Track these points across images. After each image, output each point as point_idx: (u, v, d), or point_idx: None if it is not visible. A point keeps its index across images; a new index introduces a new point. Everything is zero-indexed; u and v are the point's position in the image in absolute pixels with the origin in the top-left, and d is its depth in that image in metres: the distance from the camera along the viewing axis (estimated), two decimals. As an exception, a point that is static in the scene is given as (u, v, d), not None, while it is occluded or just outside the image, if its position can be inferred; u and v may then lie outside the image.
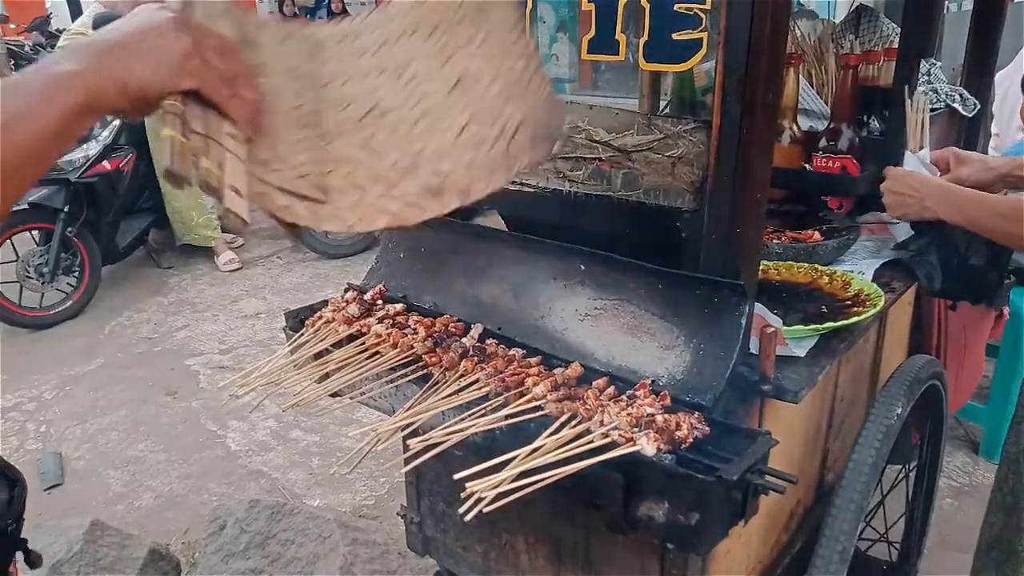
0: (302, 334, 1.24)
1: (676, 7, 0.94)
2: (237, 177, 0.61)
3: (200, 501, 2.52)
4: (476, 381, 1.03)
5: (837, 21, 2.03)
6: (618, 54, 1.02)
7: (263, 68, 0.70)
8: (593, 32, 1.03)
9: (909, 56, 1.46)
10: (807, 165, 1.56)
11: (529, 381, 0.99)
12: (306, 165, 0.69)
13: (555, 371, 1.02)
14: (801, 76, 1.66)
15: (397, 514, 1.57)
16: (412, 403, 1.02)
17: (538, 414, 0.94)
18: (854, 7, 1.92)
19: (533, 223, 0.89)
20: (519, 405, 0.96)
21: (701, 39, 0.94)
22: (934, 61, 1.68)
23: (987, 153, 2.55)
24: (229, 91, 0.64)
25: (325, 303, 1.31)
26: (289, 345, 1.21)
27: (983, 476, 2.51)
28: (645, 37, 0.98)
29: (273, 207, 0.66)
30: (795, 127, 1.58)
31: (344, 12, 10.77)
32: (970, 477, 2.51)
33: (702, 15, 0.93)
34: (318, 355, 1.18)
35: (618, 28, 1.00)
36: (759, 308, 1.02)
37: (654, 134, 1.03)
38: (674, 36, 0.95)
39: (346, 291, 1.34)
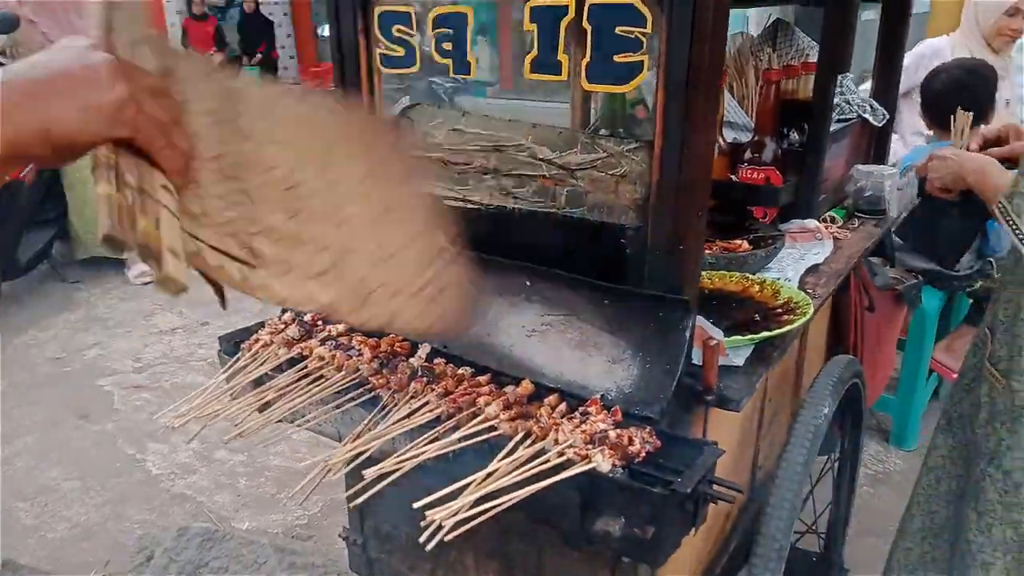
0: (238, 359, 1.20)
1: (617, 30, 0.96)
2: (173, 237, 0.57)
3: (121, 530, 2.39)
4: (427, 403, 1.02)
5: (754, 34, 2.11)
6: (560, 74, 1.03)
7: (187, 107, 0.65)
8: (536, 52, 1.04)
9: (827, 71, 1.53)
10: (733, 176, 1.62)
11: (481, 401, 0.99)
12: (233, 223, 0.65)
13: (506, 389, 1.03)
14: (725, 89, 1.73)
15: (339, 536, 1.54)
16: (361, 430, 1.00)
17: (493, 434, 0.95)
18: (771, 21, 2.00)
19: (478, 240, 0.89)
20: (473, 426, 0.95)
21: (642, 61, 0.96)
22: (847, 73, 1.77)
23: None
24: (163, 140, 0.59)
25: (262, 325, 1.27)
26: (225, 371, 1.16)
27: (895, 463, 2.67)
28: (587, 59, 0.99)
29: (206, 268, 0.62)
30: (721, 139, 1.64)
31: (256, 11, 10.45)
32: (884, 465, 2.67)
33: (643, 38, 0.95)
34: (257, 381, 1.14)
35: (560, 49, 1.01)
36: (701, 320, 1.05)
37: (598, 152, 1.05)
38: (616, 58, 0.97)
39: (283, 311, 1.30)
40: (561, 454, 0.89)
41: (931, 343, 2.67)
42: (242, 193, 0.67)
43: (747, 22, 2.50)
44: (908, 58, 2.97)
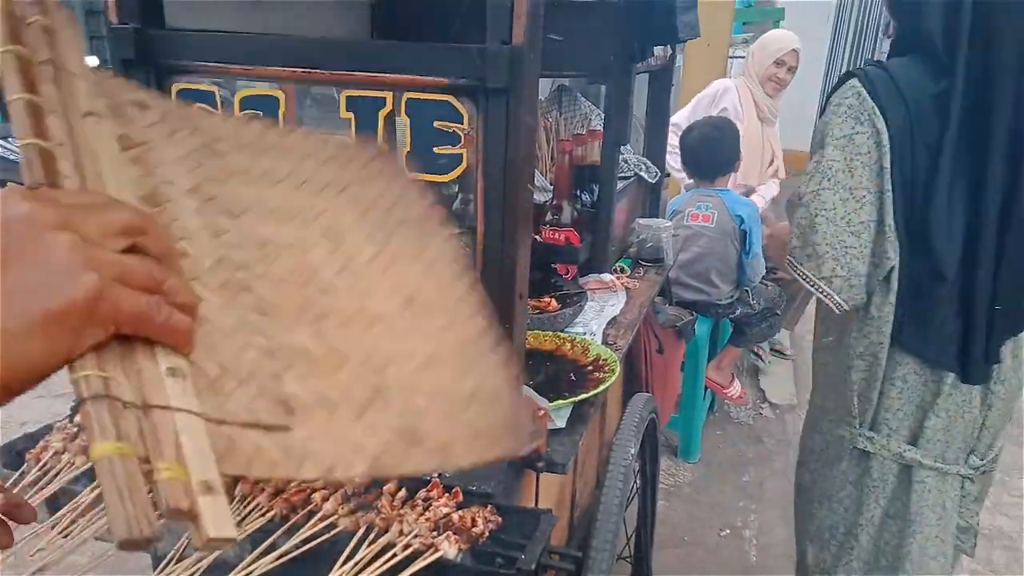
0: (23, 472, 1.05)
1: (435, 124, 1.00)
2: (204, 458, 0.41)
3: None
4: (256, 506, 0.97)
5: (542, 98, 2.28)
6: (380, 161, 1.05)
7: (167, 193, 0.50)
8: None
9: (612, 142, 1.70)
10: (537, 236, 1.73)
11: (317, 497, 0.97)
12: (256, 368, 0.49)
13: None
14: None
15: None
16: (181, 545, 0.92)
17: (332, 533, 0.93)
18: (555, 87, 2.18)
19: None
20: (311, 527, 0.93)
21: (461, 154, 1.01)
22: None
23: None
24: (162, 313, 0.42)
25: (49, 428, 1.13)
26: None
27: (684, 475, 2.96)
28: (407, 148, 1.02)
29: (245, 465, 0.46)
30: (524, 202, 1.74)
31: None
32: (674, 478, 2.95)
33: (461, 133, 1.00)
34: (51, 497, 1.01)
35: (379, 138, 1.03)
36: (528, 391, 1.12)
37: (420, 237, 1.08)
38: (436, 150, 1.01)
39: (74, 411, 1.16)
40: (408, 546, 0.89)
41: (704, 365, 3.02)
42: (256, 309, 0.51)
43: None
44: (705, 95, 3.39)
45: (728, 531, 2.63)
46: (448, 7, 1.43)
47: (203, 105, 0.98)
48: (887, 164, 1.22)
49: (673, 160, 2.98)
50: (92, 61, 1.61)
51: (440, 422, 0.56)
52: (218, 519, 0.39)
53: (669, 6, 1.46)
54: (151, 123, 0.56)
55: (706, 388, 3.14)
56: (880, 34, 7.06)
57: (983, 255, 1.23)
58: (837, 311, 1.32)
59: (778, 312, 3.02)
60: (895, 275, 1.27)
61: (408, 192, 0.70)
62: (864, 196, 1.25)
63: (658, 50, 1.85)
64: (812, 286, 1.32)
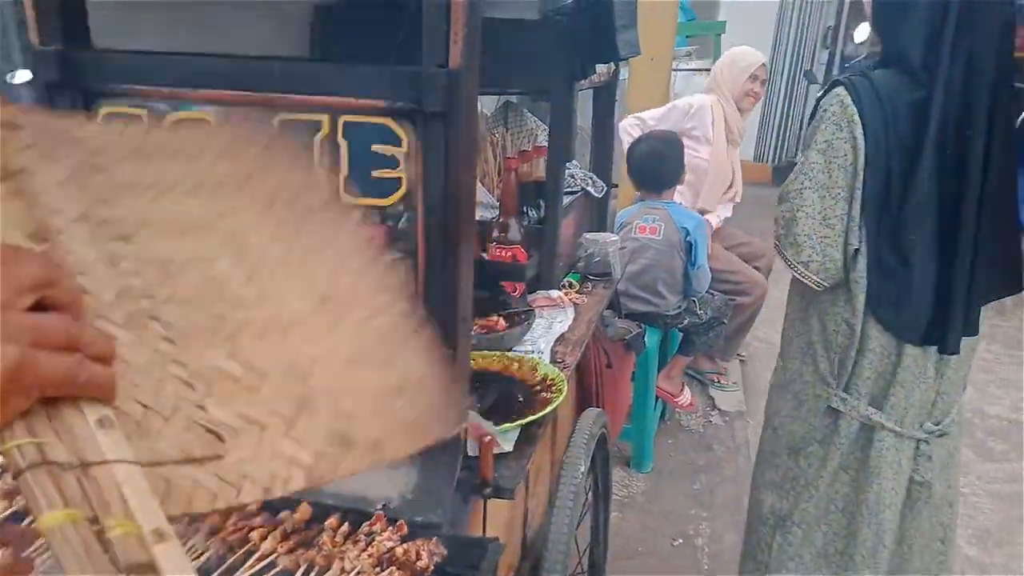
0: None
1: (373, 147, 0.98)
2: (149, 506, 0.41)
3: None
4: (191, 548, 0.93)
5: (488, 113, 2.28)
6: (317, 186, 1.02)
7: (56, 224, 0.47)
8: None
9: (557, 159, 1.70)
10: (484, 254, 1.72)
11: (255, 535, 0.93)
12: (179, 400, 0.49)
13: (282, 515, 0.98)
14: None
15: None
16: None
17: (272, 573, 0.89)
18: (502, 103, 2.17)
19: None
20: (249, 568, 0.89)
21: (401, 177, 0.99)
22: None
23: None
24: (83, 371, 0.42)
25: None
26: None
27: (638, 486, 2.98)
28: (344, 172, 1.00)
29: (186, 503, 0.46)
30: (470, 219, 1.73)
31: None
32: (628, 489, 2.96)
33: (400, 156, 0.98)
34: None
35: (316, 163, 1.01)
36: (473, 416, 1.10)
37: (360, 262, 1.06)
38: (374, 174, 0.99)
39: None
40: (350, 584, 0.87)
41: (655, 375, 3.05)
42: (167, 338, 0.50)
43: (480, 101, 2.68)
44: (678, 106, 3.37)
45: (681, 540, 2.65)
46: (390, 24, 1.41)
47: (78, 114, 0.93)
48: (861, 165, 1.41)
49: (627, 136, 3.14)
50: (24, 76, 1.54)
51: (370, 420, 0.56)
52: (177, 565, 0.39)
53: (608, 26, 1.47)
54: (25, 146, 0.53)
55: (657, 398, 3.17)
56: (817, 46, 7.30)
57: (962, 244, 1.40)
58: (817, 288, 1.53)
59: (724, 321, 3.07)
60: (861, 258, 1.47)
61: (310, 177, 0.68)
62: (839, 193, 1.45)
63: (601, 67, 1.87)
64: (793, 268, 1.55)
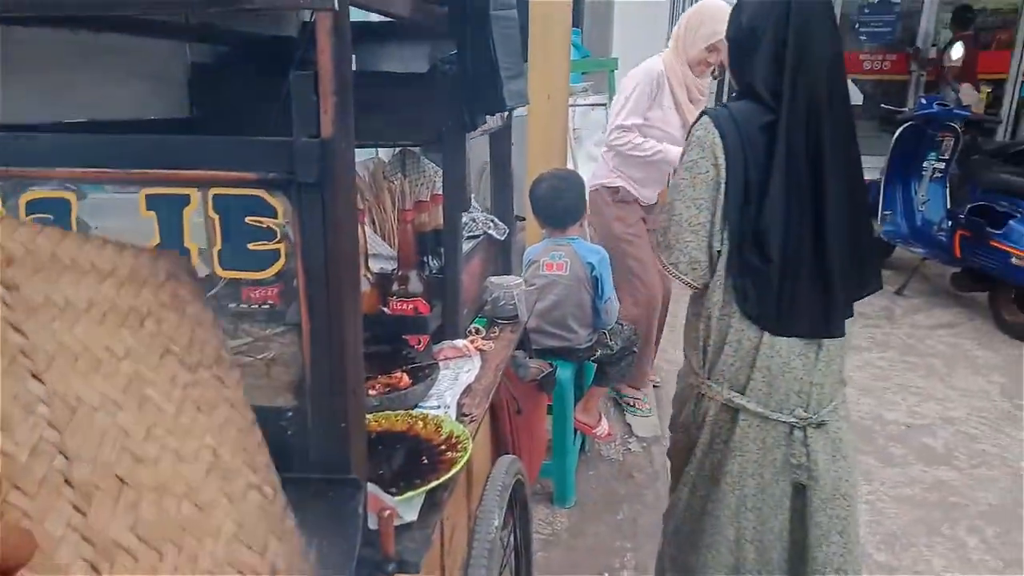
0: None
1: (247, 220, 0.94)
2: None
3: None
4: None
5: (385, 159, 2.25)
6: (191, 261, 0.97)
7: None
8: (158, 239, 0.96)
9: (453, 209, 1.69)
10: (385, 308, 1.68)
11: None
12: None
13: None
14: (365, 224, 1.80)
15: None
16: None
17: None
18: (399, 150, 2.16)
19: None
20: None
21: (278, 249, 0.95)
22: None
23: None
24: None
25: None
26: None
27: (561, 522, 2.96)
28: (218, 246, 0.96)
29: None
30: (369, 273, 1.70)
31: None
32: (552, 527, 2.94)
33: (276, 228, 0.94)
34: None
35: (187, 237, 0.96)
36: (373, 488, 1.06)
37: (242, 338, 1.01)
38: (250, 247, 0.95)
39: None
40: None
41: (572, 408, 3.06)
42: (78, 504, 0.49)
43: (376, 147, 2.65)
44: (639, 80, 3.24)
45: (607, 574, 2.65)
46: (269, 80, 1.38)
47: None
48: (722, 180, 1.63)
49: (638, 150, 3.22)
50: None
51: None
52: None
53: (494, 78, 1.48)
54: None
55: (576, 430, 3.18)
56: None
57: (818, 242, 1.61)
58: (689, 288, 1.76)
59: (635, 350, 3.13)
60: (723, 260, 1.68)
61: (202, 325, 0.68)
62: (702, 204, 1.67)
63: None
64: (667, 269, 1.76)
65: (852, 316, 1.71)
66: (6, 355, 0.51)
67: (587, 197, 3.16)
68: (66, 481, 0.51)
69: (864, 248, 1.71)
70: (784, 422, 1.71)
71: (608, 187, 3.47)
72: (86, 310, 0.59)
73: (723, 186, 1.63)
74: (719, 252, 1.68)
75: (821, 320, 1.66)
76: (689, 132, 1.72)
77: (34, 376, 0.52)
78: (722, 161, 1.62)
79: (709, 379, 1.77)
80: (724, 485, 1.78)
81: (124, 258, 0.67)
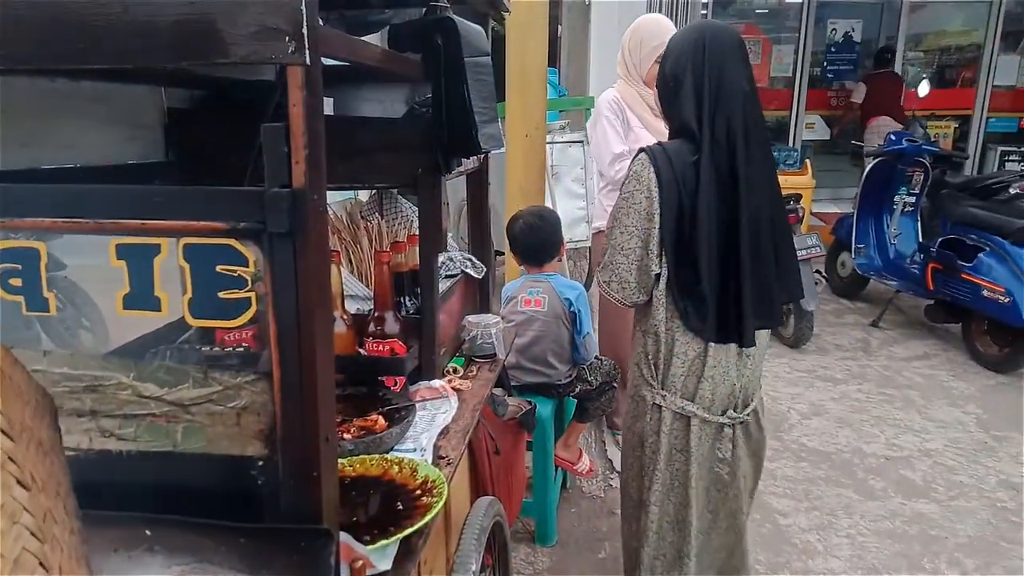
0: None
1: (218, 268, 0.94)
2: None
3: None
4: None
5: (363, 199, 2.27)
6: (160, 310, 0.97)
7: None
8: (128, 288, 0.96)
9: (429, 250, 1.70)
10: (361, 349, 1.68)
11: None
12: None
13: None
14: (341, 264, 1.80)
15: None
16: None
17: None
18: (375, 191, 2.17)
19: (79, 491, 0.78)
20: None
21: (250, 297, 0.95)
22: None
23: None
24: None
25: None
26: None
27: (543, 561, 2.93)
28: (189, 295, 0.96)
29: None
30: (345, 315, 1.70)
31: None
32: (533, 566, 2.90)
33: (247, 276, 0.95)
34: None
35: (157, 286, 0.96)
36: (345, 538, 1.05)
37: (213, 386, 1.00)
38: (220, 295, 0.95)
39: None
40: None
41: (552, 445, 3.04)
42: None
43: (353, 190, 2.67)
44: (601, 112, 3.20)
45: (589, 616, 2.61)
46: (245, 125, 1.39)
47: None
48: (655, 211, 1.79)
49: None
50: None
51: None
52: None
53: (469, 122, 1.50)
54: None
55: (557, 467, 3.16)
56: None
57: (743, 264, 1.78)
58: (621, 305, 1.93)
59: (615, 384, 3.13)
60: (662, 280, 1.85)
61: (39, 417, 0.67)
62: (633, 232, 1.84)
63: (469, 155, 1.90)
64: (601, 288, 1.93)
65: (783, 324, 1.91)
66: None
67: (590, 243, 3.16)
68: None
69: (785, 262, 1.90)
70: (720, 423, 1.92)
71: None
72: None
73: (657, 216, 1.80)
74: (657, 275, 1.86)
75: (734, 331, 1.83)
76: (629, 168, 1.88)
77: None
78: (655, 194, 1.79)
79: (663, 389, 1.92)
80: (691, 490, 1.94)
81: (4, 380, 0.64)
